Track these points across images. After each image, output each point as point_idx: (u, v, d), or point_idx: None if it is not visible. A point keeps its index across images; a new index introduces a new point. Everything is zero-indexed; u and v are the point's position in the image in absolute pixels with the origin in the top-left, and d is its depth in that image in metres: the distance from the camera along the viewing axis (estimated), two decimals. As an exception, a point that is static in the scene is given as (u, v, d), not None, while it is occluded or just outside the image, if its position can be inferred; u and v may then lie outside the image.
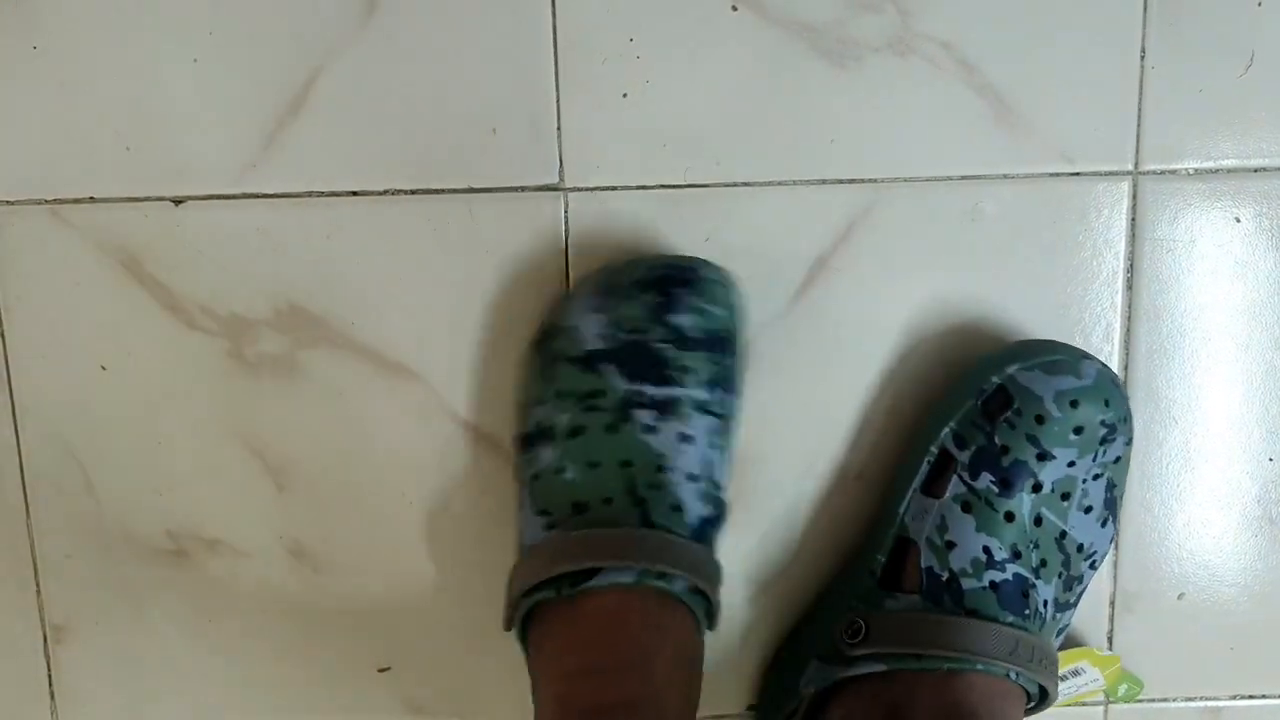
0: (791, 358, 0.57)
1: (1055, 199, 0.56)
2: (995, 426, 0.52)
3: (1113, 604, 0.61)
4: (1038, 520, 0.52)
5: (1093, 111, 0.55)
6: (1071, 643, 0.61)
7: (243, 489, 0.59)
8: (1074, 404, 0.51)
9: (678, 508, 0.51)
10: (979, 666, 0.50)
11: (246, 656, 0.61)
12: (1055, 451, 0.51)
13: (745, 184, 0.56)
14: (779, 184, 0.56)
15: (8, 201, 0.56)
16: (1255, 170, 0.56)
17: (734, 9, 0.54)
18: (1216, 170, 0.56)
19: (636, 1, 0.54)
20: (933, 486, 0.54)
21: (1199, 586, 0.61)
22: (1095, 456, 0.52)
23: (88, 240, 0.56)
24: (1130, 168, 0.56)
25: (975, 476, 0.52)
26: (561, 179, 0.56)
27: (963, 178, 0.56)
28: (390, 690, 0.61)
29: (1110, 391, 0.52)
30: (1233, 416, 0.59)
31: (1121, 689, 0.60)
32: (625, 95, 0.55)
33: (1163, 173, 0.56)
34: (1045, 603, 0.52)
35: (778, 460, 0.58)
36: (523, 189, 0.56)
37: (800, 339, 0.57)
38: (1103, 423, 0.51)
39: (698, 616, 0.51)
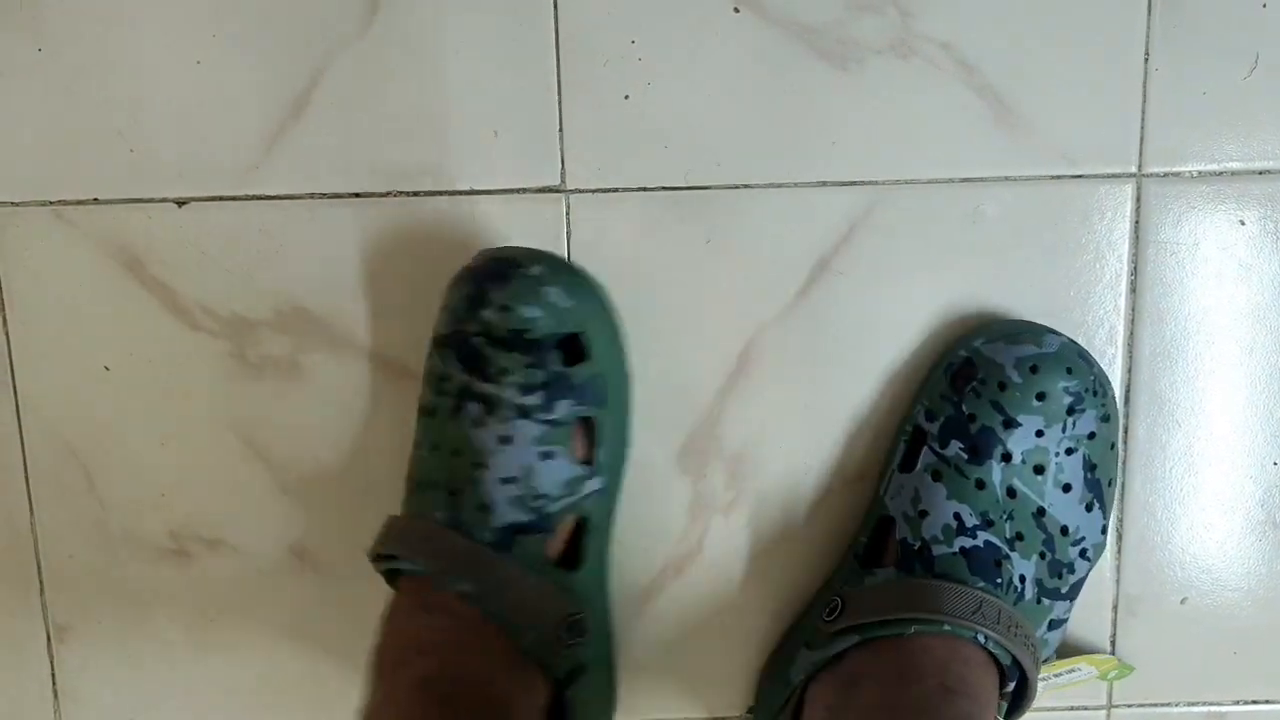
0: (792, 359, 0.57)
1: (1057, 201, 0.56)
2: (962, 396, 0.53)
3: (1115, 608, 0.60)
4: (1011, 492, 0.52)
5: (1095, 113, 0.55)
6: (1074, 651, 0.60)
7: (245, 490, 0.59)
8: (1034, 369, 0.51)
9: (484, 507, 0.50)
10: (945, 628, 0.49)
11: (247, 656, 0.61)
12: (1020, 418, 0.52)
13: (746, 186, 0.56)
14: (780, 186, 0.56)
15: (12, 203, 0.56)
16: (1260, 173, 0.56)
17: (735, 10, 0.54)
18: (1221, 173, 0.56)
19: (638, 3, 0.54)
20: (908, 462, 0.55)
21: (1202, 591, 0.60)
22: (1064, 428, 0.52)
23: (91, 241, 0.56)
24: (1133, 170, 0.56)
25: (944, 445, 0.53)
26: (563, 181, 0.56)
27: (964, 179, 0.56)
28: (391, 691, 0.62)
29: (1073, 361, 0.52)
30: (1236, 420, 0.59)
31: (1111, 674, 0.60)
32: (627, 97, 0.55)
33: (1166, 175, 0.56)
34: (1022, 578, 0.52)
35: (778, 461, 0.58)
36: (524, 191, 0.56)
37: (801, 341, 0.57)
38: (1066, 390, 0.52)
39: (490, 616, 0.50)
